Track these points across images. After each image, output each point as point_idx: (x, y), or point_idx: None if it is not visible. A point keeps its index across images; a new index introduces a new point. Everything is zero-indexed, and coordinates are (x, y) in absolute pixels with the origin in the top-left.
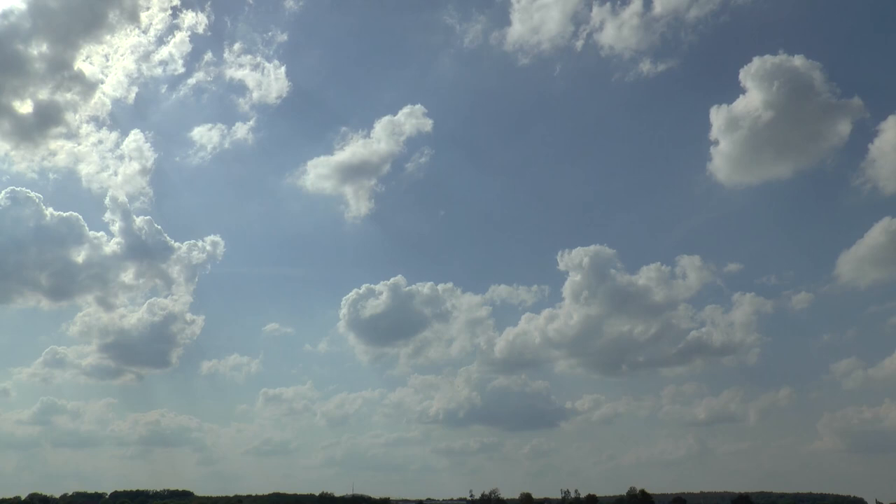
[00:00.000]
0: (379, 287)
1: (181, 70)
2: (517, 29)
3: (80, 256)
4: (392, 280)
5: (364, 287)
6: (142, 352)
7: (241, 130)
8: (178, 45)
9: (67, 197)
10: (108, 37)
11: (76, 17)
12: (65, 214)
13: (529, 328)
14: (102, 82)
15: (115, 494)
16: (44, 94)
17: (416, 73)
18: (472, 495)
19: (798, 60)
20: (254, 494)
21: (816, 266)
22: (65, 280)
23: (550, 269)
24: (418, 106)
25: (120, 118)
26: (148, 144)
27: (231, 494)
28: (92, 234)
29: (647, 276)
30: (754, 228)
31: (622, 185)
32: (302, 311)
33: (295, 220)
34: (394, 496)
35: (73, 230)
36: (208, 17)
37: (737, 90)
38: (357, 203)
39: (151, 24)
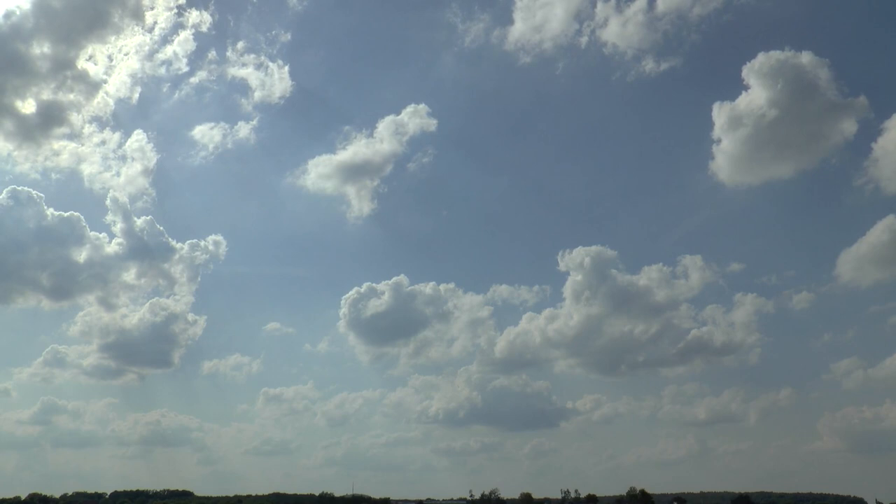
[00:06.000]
0: (381, 287)
1: (185, 69)
2: (519, 27)
3: (81, 256)
4: (394, 280)
5: (365, 286)
6: (143, 352)
7: (244, 130)
8: (182, 43)
9: (70, 197)
10: (111, 36)
11: (79, 16)
12: (66, 214)
13: (530, 328)
14: (105, 82)
15: (115, 494)
16: (46, 94)
17: (420, 72)
18: (472, 495)
19: (805, 57)
20: (254, 494)
21: (817, 266)
22: (66, 280)
23: (552, 269)
24: (422, 105)
25: (123, 118)
26: (150, 145)
27: (231, 494)
28: (93, 234)
29: (648, 276)
30: (756, 228)
31: (624, 185)
32: (303, 311)
33: (297, 219)
34: (394, 496)
35: (75, 230)
36: (212, 15)
37: (740, 88)
38: (359, 203)
39: (156, 22)
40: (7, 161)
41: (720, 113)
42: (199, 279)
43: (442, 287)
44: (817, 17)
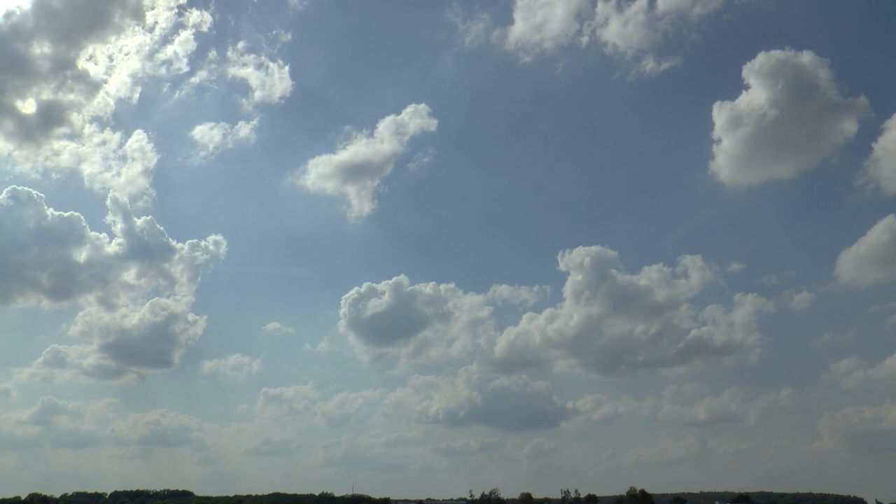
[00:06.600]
0: (381, 287)
1: (185, 69)
2: (519, 27)
3: (81, 256)
4: (394, 280)
5: (365, 286)
6: (143, 352)
7: (244, 130)
8: (182, 43)
9: (70, 197)
10: (112, 36)
11: (80, 16)
12: (66, 214)
13: (530, 328)
14: (106, 82)
15: (115, 494)
16: (47, 94)
17: (420, 72)
18: (472, 495)
19: (805, 57)
20: (254, 494)
21: (817, 266)
22: (66, 280)
23: (552, 269)
24: (422, 105)
25: (123, 118)
26: (150, 145)
27: (231, 494)
28: (93, 234)
29: (648, 276)
30: (756, 228)
31: (624, 185)
32: (303, 311)
33: (297, 219)
34: (394, 496)
35: (75, 230)
36: (213, 15)
37: (740, 87)
38: (359, 203)
39: (156, 22)
40: (7, 161)
41: (720, 113)
42: (199, 279)
43: (442, 287)
44: (817, 17)
